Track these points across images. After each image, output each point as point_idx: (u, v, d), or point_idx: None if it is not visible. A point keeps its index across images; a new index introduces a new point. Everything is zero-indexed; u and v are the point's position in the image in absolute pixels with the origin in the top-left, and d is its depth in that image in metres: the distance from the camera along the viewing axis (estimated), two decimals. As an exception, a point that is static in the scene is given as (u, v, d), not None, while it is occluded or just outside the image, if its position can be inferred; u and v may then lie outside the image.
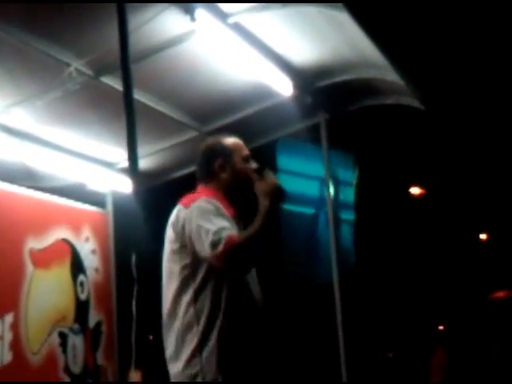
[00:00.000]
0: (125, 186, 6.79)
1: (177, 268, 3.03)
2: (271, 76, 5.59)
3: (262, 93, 5.92)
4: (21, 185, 6.18)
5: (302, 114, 6.28)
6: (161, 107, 5.94)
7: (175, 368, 2.99)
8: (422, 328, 20.76)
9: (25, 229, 6.12)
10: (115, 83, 5.10)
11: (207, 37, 4.95)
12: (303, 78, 5.87)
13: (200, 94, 5.88)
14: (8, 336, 5.71)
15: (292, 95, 5.90)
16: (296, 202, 6.11)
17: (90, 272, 6.83)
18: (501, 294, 20.79)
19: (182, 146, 6.56)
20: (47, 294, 6.27)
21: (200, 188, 3.26)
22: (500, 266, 20.16)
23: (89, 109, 5.68)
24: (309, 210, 6.44)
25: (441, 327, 23.35)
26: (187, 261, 3.01)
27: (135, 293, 7.33)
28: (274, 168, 6.03)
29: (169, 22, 4.76)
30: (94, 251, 6.95)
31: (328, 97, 6.16)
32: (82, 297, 6.68)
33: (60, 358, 6.25)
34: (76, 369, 6.42)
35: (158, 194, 6.81)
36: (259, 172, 3.09)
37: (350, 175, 6.73)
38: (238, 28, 4.98)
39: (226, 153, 3.25)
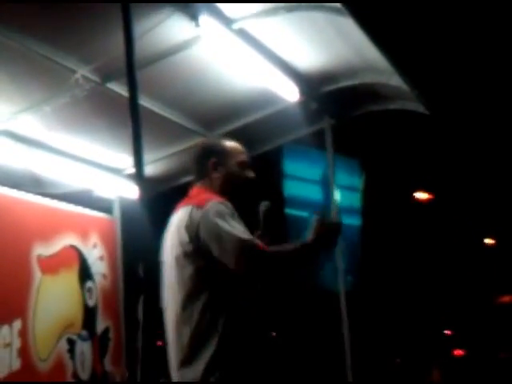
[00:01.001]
0: (132, 192, 6.78)
1: (189, 271, 2.94)
2: (276, 82, 5.61)
3: (268, 98, 5.94)
4: (28, 191, 6.20)
5: (307, 119, 6.30)
6: (167, 113, 5.96)
7: (191, 373, 2.88)
8: (429, 333, 20.72)
9: (32, 235, 6.14)
10: (121, 89, 5.10)
11: (212, 43, 4.97)
12: (308, 83, 5.88)
13: (206, 100, 5.91)
14: (16, 343, 5.72)
15: (297, 101, 5.92)
16: (302, 207, 6.12)
17: (97, 278, 6.85)
18: (506, 299, 20.75)
19: (188, 151, 6.54)
20: (55, 300, 6.28)
21: (195, 188, 3.21)
22: (506, 271, 20.11)
23: (95, 115, 5.70)
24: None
25: (448, 332, 23.31)
26: (201, 263, 2.92)
27: (141, 299, 7.32)
28: (280, 173, 6.07)
29: (174, 28, 4.79)
30: (101, 257, 6.96)
31: (333, 102, 6.18)
32: (90, 303, 6.69)
33: (68, 365, 6.26)
34: (84, 375, 6.43)
35: (165, 199, 6.81)
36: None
37: (356, 180, 6.73)
38: (243, 34, 5.00)
39: (222, 153, 3.22)
